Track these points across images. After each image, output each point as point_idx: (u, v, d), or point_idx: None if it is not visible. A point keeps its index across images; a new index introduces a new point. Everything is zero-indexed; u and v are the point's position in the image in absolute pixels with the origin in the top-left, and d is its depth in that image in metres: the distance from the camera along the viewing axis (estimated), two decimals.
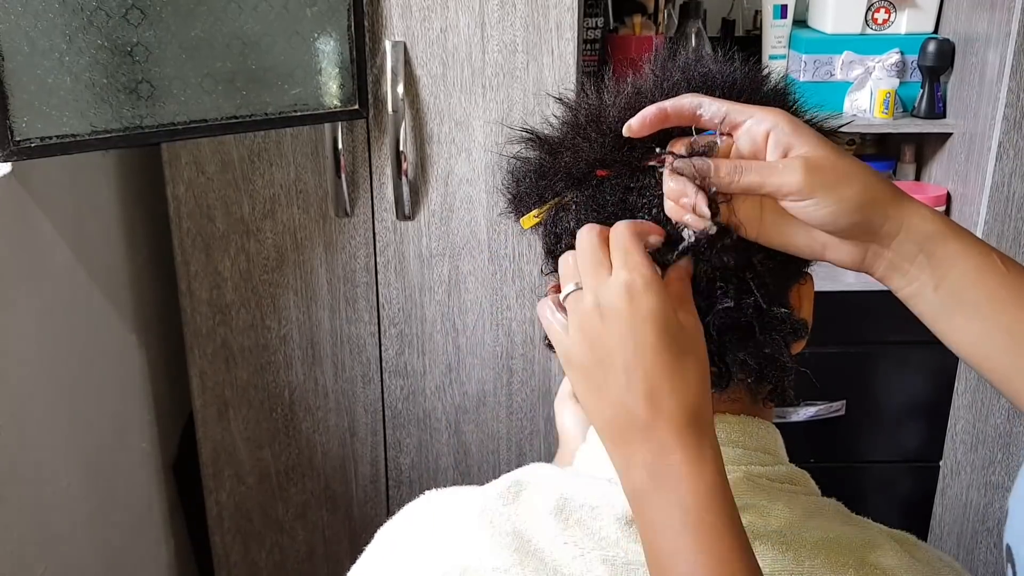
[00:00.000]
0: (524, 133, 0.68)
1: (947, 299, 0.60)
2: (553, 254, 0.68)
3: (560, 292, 0.60)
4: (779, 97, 0.66)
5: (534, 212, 0.67)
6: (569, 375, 0.59)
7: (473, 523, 0.65)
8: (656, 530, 0.54)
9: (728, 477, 0.63)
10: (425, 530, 0.69)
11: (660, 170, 0.63)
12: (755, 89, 0.66)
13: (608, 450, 0.57)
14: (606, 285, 0.56)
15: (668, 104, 0.61)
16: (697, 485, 0.53)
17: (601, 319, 0.56)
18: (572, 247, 0.66)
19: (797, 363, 0.65)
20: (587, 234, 0.59)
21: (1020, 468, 0.48)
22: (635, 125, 0.61)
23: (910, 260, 0.60)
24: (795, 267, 0.65)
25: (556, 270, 0.68)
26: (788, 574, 0.60)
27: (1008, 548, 0.52)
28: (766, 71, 0.68)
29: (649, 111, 0.61)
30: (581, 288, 0.58)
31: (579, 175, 0.65)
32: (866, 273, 0.63)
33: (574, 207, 0.65)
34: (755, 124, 0.60)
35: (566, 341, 0.58)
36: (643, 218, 0.63)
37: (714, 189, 0.60)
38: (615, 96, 0.66)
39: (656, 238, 0.60)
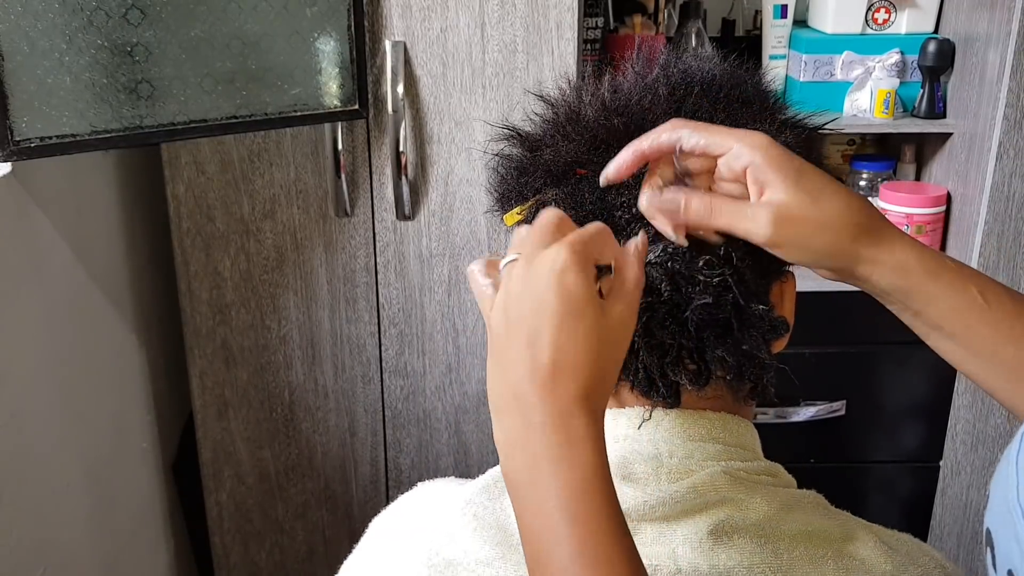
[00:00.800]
0: (506, 130, 0.68)
1: (928, 326, 0.62)
2: None
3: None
4: (760, 96, 0.67)
5: (516, 209, 0.67)
6: (488, 340, 0.58)
7: (458, 516, 0.66)
8: (532, 511, 0.52)
9: (706, 472, 0.63)
10: (414, 522, 0.70)
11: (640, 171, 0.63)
12: (735, 86, 0.66)
13: (493, 421, 0.55)
14: (540, 254, 0.55)
15: (646, 144, 0.60)
16: (575, 470, 0.51)
17: (523, 284, 0.54)
18: None
19: (777, 361, 0.65)
20: (548, 213, 0.58)
21: (1003, 453, 0.49)
22: (611, 174, 0.61)
23: (887, 293, 0.61)
24: (776, 265, 0.66)
25: None
26: (767, 567, 0.60)
27: (988, 532, 0.53)
28: (747, 67, 0.68)
29: (625, 156, 0.61)
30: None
31: (558, 173, 0.65)
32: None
33: (554, 205, 0.65)
34: (733, 158, 0.59)
35: (487, 304, 0.57)
36: (621, 216, 0.63)
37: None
38: (592, 95, 0.66)
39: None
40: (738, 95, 0.65)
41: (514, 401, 0.53)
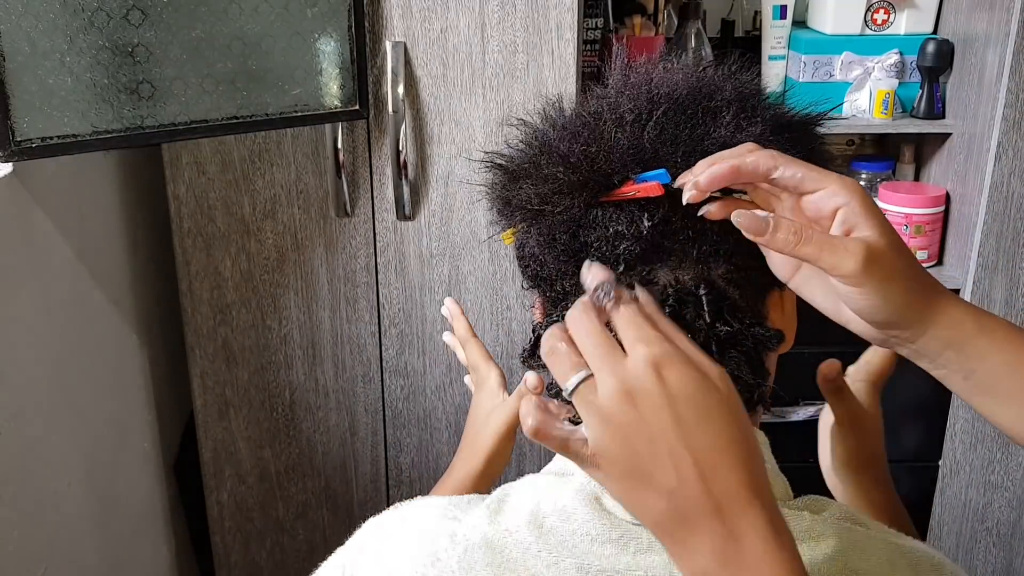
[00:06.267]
0: (489, 160, 0.67)
1: (977, 387, 0.60)
2: (525, 274, 0.68)
3: (543, 389, 0.57)
4: (739, 99, 0.64)
5: (511, 231, 0.67)
6: (600, 475, 0.51)
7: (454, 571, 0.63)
8: None
9: None
10: (391, 566, 0.67)
11: (610, 207, 0.61)
12: (708, 96, 0.63)
13: (667, 547, 0.51)
14: (625, 366, 0.49)
15: (745, 165, 0.58)
16: (776, 570, 0.48)
17: (633, 405, 0.49)
18: (539, 272, 0.65)
19: (768, 374, 0.63)
20: (584, 319, 0.51)
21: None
22: (704, 184, 0.58)
23: (936, 354, 0.60)
24: (772, 276, 0.63)
25: (533, 287, 0.68)
26: None
27: None
28: (755, 79, 0.66)
29: (721, 171, 0.58)
30: (590, 376, 0.50)
31: (532, 210, 0.64)
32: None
33: (534, 240, 0.65)
34: (826, 197, 0.58)
35: (592, 439, 0.50)
36: (594, 256, 0.61)
37: None
38: (563, 127, 0.64)
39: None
40: (709, 106, 0.62)
41: (683, 522, 0.49)
